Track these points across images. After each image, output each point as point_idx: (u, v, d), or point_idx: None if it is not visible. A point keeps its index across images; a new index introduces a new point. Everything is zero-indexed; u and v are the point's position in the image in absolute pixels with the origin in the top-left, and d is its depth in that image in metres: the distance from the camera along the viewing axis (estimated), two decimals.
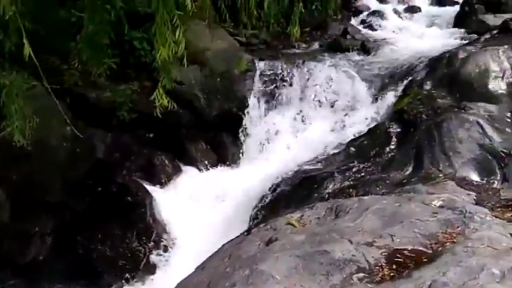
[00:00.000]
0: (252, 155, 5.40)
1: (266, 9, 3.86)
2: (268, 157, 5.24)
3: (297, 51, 6.63)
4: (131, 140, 5.10)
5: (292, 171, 4.31)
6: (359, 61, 6.05)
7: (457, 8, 8.18)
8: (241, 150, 5.51)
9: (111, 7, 3.10)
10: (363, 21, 7.98)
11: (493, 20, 7.09)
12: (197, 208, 4.64)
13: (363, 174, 3.58)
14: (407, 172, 3.26)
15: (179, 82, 5.60)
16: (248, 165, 5.32)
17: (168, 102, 3.25)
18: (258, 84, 5.88)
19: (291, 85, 5.77)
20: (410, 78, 5.38)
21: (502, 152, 3.10)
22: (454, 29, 7.44)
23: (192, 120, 5.64)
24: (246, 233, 2.69)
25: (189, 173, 5.23)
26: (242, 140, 5.60)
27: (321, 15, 7.59)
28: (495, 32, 5.83)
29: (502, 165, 3.01)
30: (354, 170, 3.67)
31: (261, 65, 5.96)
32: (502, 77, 4.25)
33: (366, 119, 5.03)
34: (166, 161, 5.21)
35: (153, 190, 4.57)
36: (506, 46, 4.72)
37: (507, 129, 3.37)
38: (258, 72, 5.91)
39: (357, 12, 8.24)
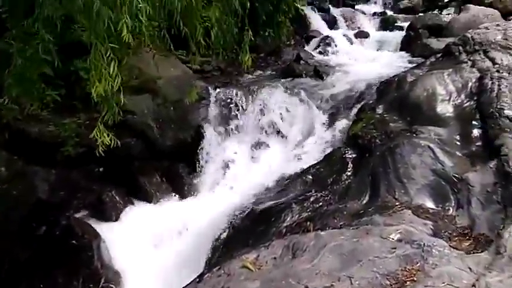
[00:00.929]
0: (209, 185, 5.18)
1: (213, 38, 3.72)
2: (225, 187, 5.03)
3: (252, 77, 6.55)
4: (79, 176, 4.74)
5: (249, 203, 4.13)
6: (313, 86, 6.04)
7: (402, 32, 8.49)
8: (197, 181, 5.27)
9: (41, 40, 2.84)
10: (315, 47, 8.07)
11: (437, 43, 7.38)
12: (151, 246, 4.33)
13: (320, 204, 3.45)
14: (365, 201, 3.16)
15: (130, 112, 5.37)
16: (205, 196, 5.09)
17: (110, 139, 3.00)
18: (213, 112, 5.71)
19: (246, 112, 5.64)
20: (363, 102, 5.41)
21: (455, 176, 3.06)
22: (402, 52, 7.68)
23: (145, 151, 5.36)
24: (198, 280, 2.46)
25: (142, 208, 4.92)
26: (198, 170, 5.37)
27: (275, 41, 7.64)
28: (439, 55, 5.98)
29: (456, 190, 2.96)
30: (311, 199, 3.54)
31: (215, 92, 5.82)
32: (449, 100, 4.30)
33: (322, 144, 4.96)
34: (117, 197, 4.87)
35: (102, 230, 4.22)
36: (450, 69, 4.81)
37: (457, 153, 3.36)
38: (212, 100, 5.75)
39: (310, 38, 8.34)
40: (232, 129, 5.60)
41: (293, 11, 7.68)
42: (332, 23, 8.86)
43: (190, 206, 5.04)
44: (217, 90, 5.84)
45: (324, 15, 9.00)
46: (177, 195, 5.16)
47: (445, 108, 4.19)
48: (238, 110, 5.67)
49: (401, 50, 7.81)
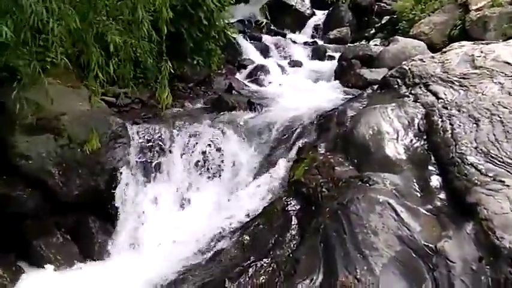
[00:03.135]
0: (126, 244, 4.14)
1: (115, 67, 2.82)
2: (145, 246, 4.03)
3: (179, 110, 5.64)
4: None
5: (173, 273, 3.18)
6: (247, 121, 5.27)
7: (334, 62, 8.12)
8: (111, 238, 4.21)
9: None
10: (248, 76, 7.41)
11: (370, 74, 7.06)
12: None
13: (262, 280, 2.62)
14: (318, 282, 2.40)
15: (24, 156, 4.22)
16: (120, 258, 4.04)
17: None
18: (132, 152, 4.70)
19: (171, 152, 4.72)
20: (302, 139, 4.75)
21: (427, 246, 2.42)
22: (336, 82, 7.26)
23: (43, 205, 4.21)
24: None
25: (35, 277, 3.75)
26: (113, 225, 4.31)
27: (205, 69, 6.83)
28: (376, 87, 5.56)
29: (431, 267, 2.31)
30: (249, 273, 2.70)
31: (134, 129, 4.82)
32: (397, 139, 3.76)
33: (259, 189, 4.17)
34: (2, 267, 3.67)
35: None
36: (393, 104, 4.32)
37: (421, 210, 2.74)
38: (131, 138, 4.75)
39: (242, 66, 7.67)
40: (154, 172, 4.62)
41: (223, 38, 6.97)
42: (265, 52, 8.29)
43: (101, 271, 3.96)
44: (137, 126, 4.86)
45: (256, 44, 8.41)
46: (84, 259, 4.05)
47: (394, 150, 3.61)
48: (161, 149, 4.72)
49: (335, 79, 7.38)
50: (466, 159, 2.84)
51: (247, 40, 8.53)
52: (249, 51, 8.13)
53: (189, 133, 4.81)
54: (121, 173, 4.49)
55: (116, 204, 4.36)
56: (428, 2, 8.65)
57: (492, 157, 2.74)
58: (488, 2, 7.31)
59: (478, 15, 7.19)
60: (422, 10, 8.51)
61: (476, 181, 2.62)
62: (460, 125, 3.33)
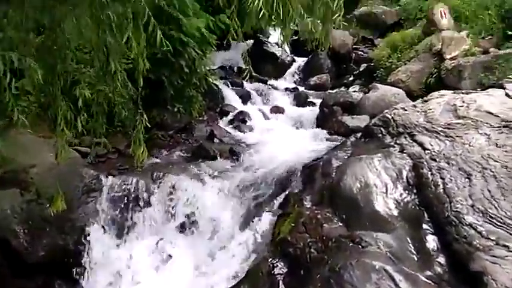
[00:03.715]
0: None
1: (85, 125, 2.56)
2: None
3: (158, 160, 5.35)
4: None
5: None
6: (228, 170, 5.03)
7: (315, 108, 8.06)
8: None
9: None
10: (230, 122, 7.22)
11: (352, 121, 6.99)
12: None
13: None
14: None
15: None
16: None
17: None
18: (106, 207, 4.36)
19: (149, 205, 4.38)
20: (287, 191, 4.51)
21: None
22: (318, 129, 7.14)
23: (6, 267, 3.78)
24: None
25: None
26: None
27: (186, 117, 6.63)
28: (359, 135, 5.42)
29: None
30: None
31: (109, 181, 4.51)
32: (386, 193, 3.56)
33: (242, 247, 3.85)
34: None
35: None
36: (379, 155, 4.16)
37: (420, 277, 2.49)
38: (105, 192, 4.41)
39: (224, 113, 7.50)
40: (130, 228, 4.26)
41: (205, 85, 6.84)
42: (246, 98, 8.18)
43: None
44: (112, 178, 4.54)
45: (237, 90, 8.31)
46: None
47: (384, 205, 3.40)
48: (138, 203, 4.39)
49: (317, 126, 7.28)
50: (464, 219, 2.64)
51: (228, 86, 8.43)
52: (231, 97, 8.01)
53: (168, 185, 4.52)
54: (93, 230, 4.12)
55: (86, 266, 3.95)
56: (404, 50, 8.82)
57: (491, 217, 2.55)
58: (462, 51, 7.47)
59: (453, 64, 7.31)
60: (399, 58, 8.66)
61: (478, 245, 2.41)
62: (451, 179, 3.16)
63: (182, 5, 5.68)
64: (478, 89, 5.96)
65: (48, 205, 4.08)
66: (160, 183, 4.55)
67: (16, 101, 2.47)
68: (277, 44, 11.32)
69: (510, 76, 5.18)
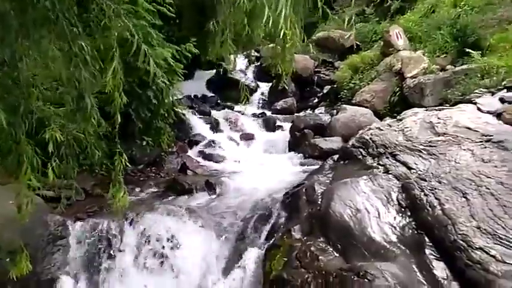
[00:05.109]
0: None
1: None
2: None
3: (129, 198, 4.88)
4: None
5: None
6: (206, 205, 4.71)
7: (285, 132, 7.96)
8: None
9: None
10: (201, 152, 6.92)
11: (325, 143, 6.91)
12: None
13: None
14: None
15: None
16: None
17: None
18: (75, 255, 3.88)
19: (121, 251, 3.96)
20: (271, 221, 4.25)
21: None
22: (291, 153, 7.02)
23: None
24: None
25: None
26: None
27: (155, 149, 6.26)
28: (337, 157, 5.30)
29: None
30: None
31: (77, 227, 4.04)
32: (379, 218, 3.39)
33: None
34: None
35: None
36: (364, 177, 4.02)
37: None
38: (73, 239, 3.95)
39: (193, 142, 7.19)
40: (103, 277, 3.81)
41: (173, 116, 6.54)
42: (215, 126, 7.93)
43: None
44: (81, 223, 4.09)
45: (205, 119, 8.05)
46: None
47: (380, 231, 3.22)
48: (110, 248, 3.96)
49: (290, 150, 7.15)
50: (473, 242, 2.50)
51: (195, 115, 8.16)
52: (199, 126, 7.73)
53: (142, 226, 4.12)
54: (63, 283, 3.64)
55: None
56: (365, 71, 8.99)
57: (501, 238, 2.43)
58: (421, 70, 7.68)
59: (414, 82, 7.48)
60: (361, 79, 8.79)
61: (495, 271, 2.26)
62: (447, 199, 3.04)
63: (147, 35, 5.42)
64: (445, 105, 6.10)
65: (8, 259, 3.60)
66: (133, 224, 4.15)
67: None
68: (240, 70, 11.30)
69: (476, 91, 5.29)
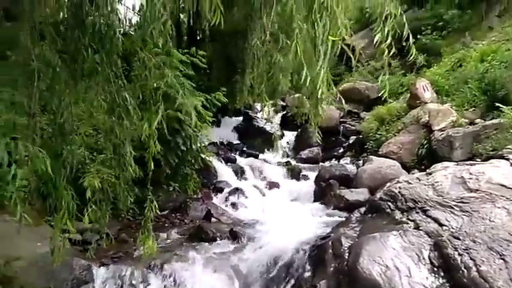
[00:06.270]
0: None
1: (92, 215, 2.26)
2: None
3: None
4: None
5: None
6: (231, 254, 4.64)
7: (310, 182, 7.90)
8: None
9: None
10: (226, 199, 6.93)
11: (350, 194, 6.79)
12: None
13: None
14: None
15: None
16: None
17: None
18: None
19: None
20: (296, 275, 4.12)
21: None
22: (316, 204, 6.91)
23: None
24: None
25: None
26: None
27: (181, 195, 6.33)
28: (364, 210, 5.19)
29: None
30: None
31: (101, 272, 4.05)
32: (411, 277, 3.25)
33: None
34: None
35: None
36: (394, 232, 3.91)
37: None
38: (98, 284, 3.94)
39: (219, 189, 7.22)
40: None
41: (200, 162, 6.65)
42: (240, 174, 7.99)
43: None
44: (105, 268, 4.09)
45: (231, 166, 8.15)
46: None
47: None
48: None
49: (315, 200, 7.06)
50: None
51: (221, 162, 8.27)
52: (224, 173, 7.80)
53: (166, 274, 4.07)
54: None
55: None
56: (392, 123, 8.98)
57: None
58: (449, 123, 7.62)
59: (443, 135, 7.40)
60: (387, 131, 8.77)
61: None
62: (483, 261, 2.90)
63: (179, 85, 5.68)
64: (477, 159, 5.96)
65: None
66: (158, 272, 4.11)
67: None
68: (266, 119, 11.52)
69: (508, 146, 5.17)
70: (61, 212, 2.15)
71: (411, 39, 2.13)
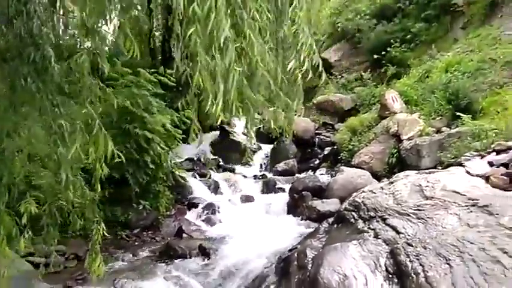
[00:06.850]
0: None
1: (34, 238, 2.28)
2: None
3: (122, 263, 4.91)
4: None
5: None
6: (200, 270, 4.66)
7: (285, 194, 7.96)
8: None
9: None
10: (199, 215, 6.93)
11: (322, 205, 6.88)
12: None
13: None
14: None
15: None
16: None
17: None
18: None
19: None
20: (263, 287, 4.16)
21: None
22: (289, 216, 6.98)
23: None
24: None
25: None
26: None
27: (152, 213, 6.32)
28: (331, 220, 5.28)
29: None
30: None
31: None
32: (367, 285, 3.32)
33: None
34: None
35: None
36: (354, 242, 3.99)
37: None
38: None
39: (192, 205, 7.22)
40: None
41: (172, 179, 6.67)
42: (215, 189, 8.01)
43: None
44: None
45: (206, 181, 8.16)
46: None
47: None
48: None
49: (288, 213, 7.12)
50: None
51: (196, 178, 8.28)
52: (199, 189, 7.81)
53: None
54: None
55: None
56: (364, 133, 9.15)
57: None
58: (417, 132, 7.81)
59: (411, 144, 7.58)
60: (360, 141, 8.93)
61: None
62: (431, 266, 3.00)
63: (146, 103, 5.73)
64: (439, 167, 6.14)
65: None
66: None
67: None
68: (242, 133, 11.59)
69: (466, 154, 5.35)
70: (0, 238, 2.16)
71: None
